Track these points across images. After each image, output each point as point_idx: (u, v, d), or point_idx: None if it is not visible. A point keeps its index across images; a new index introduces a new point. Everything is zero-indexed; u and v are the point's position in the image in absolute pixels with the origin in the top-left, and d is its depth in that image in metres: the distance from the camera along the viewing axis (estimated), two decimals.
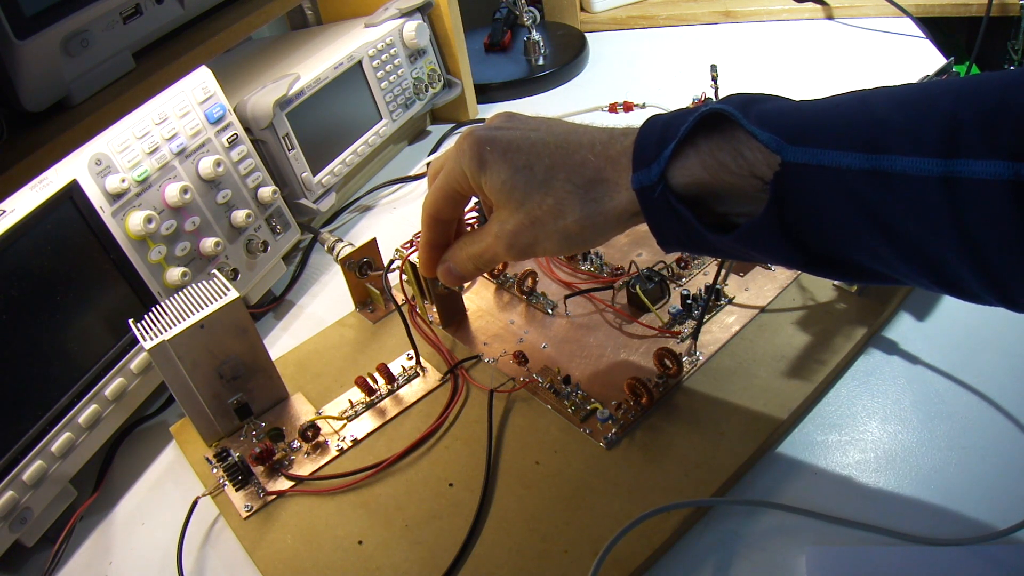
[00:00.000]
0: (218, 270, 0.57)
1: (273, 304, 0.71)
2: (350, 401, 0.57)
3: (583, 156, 0.41)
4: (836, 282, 0.58)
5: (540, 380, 0.55)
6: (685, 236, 0.39)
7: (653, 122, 0.40)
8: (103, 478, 0.57)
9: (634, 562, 0.44)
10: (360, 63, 0.80)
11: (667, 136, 0.38)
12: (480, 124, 0.45)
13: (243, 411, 0.56)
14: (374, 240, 0.64)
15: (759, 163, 0.35)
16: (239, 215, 0.64)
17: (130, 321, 0.51)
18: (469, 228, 0.71)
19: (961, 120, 0.30)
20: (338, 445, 0.54)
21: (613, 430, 0.51)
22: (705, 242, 0.39)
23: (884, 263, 0.35)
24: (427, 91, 0.89)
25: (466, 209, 0.66)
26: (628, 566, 0.44)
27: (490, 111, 0.98)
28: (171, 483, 0.56)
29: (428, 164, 0.87)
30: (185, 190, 0.59)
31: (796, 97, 0.38)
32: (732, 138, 0.36)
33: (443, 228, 0.48)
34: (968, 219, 0.30)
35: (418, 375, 0.58)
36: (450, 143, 0.93)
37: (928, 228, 0.32)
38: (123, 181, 0.56)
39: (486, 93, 0.99)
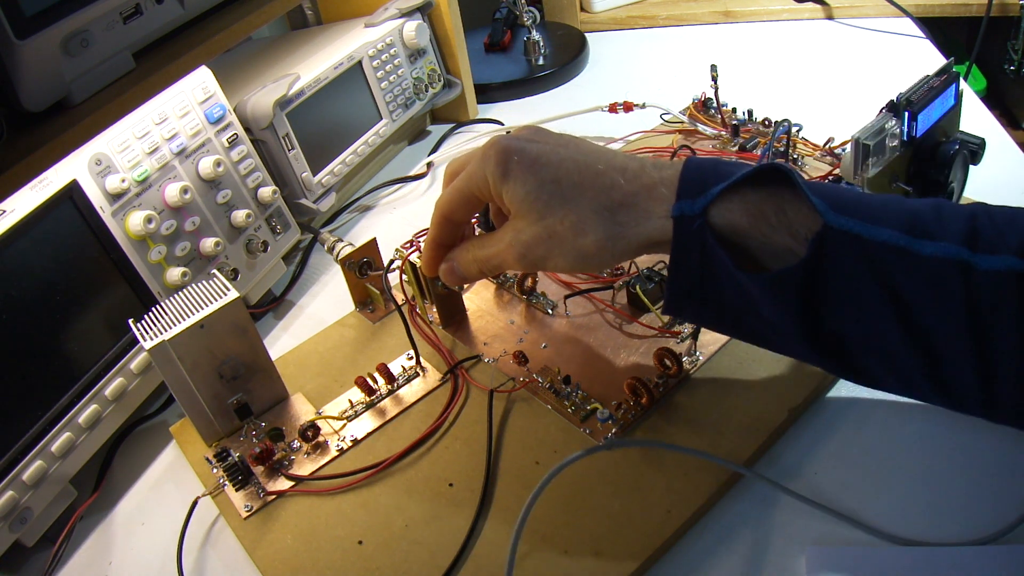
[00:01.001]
0: (218, 270, 0.57)
1: (273, 304, 0.71)
2: (350, 401, 0.57)
3: (613, 179, 0.42)
4: None
5: (540, 380, 0.55)
6: (700, 280, 0.40)
7: (699, 160, 0.42)
8: (103, 478, 0.57)
9: (634, 562, 0.44)
10: (360, 63, 0.80)
11: (717, 176, 0.40)
12: (508, 134, 0.45)
13: (243, 411, 0.56)
14: (374, 240, 0.64)
15: (798, 223, 0.38)
16: (239, 215, 0.64)
17: (130, 321, 0.51)
18: (470, 226, 0.71)
19: (979, 224, 0.37)
20: (338, 445, 0.54)
21: (613, 430, 0.51)
22: (717, 289, 0.40)
23: (883, 350, 0.38)
24: (427, 91, 0.89)
25: None
26: (628, 566, 0.44)
27: (490, 111, 0.98)
28: (171, 483, 0.56)
29: (428, 164, 0.87)
30: (185, 190, 0.59)
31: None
32: (777, 195, 0.39)
33: (452, 229, 0.48)
34: (978, 303, 0.35)
35: (418, 375, 0.58)
36: (450, 143, 0.93)
37: (941, 309, 0.36)
38: (123, 181, 0.56)
39: (486, 93, 0.99)
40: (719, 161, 0.41)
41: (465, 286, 0.65)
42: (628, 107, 0.88)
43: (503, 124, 0.94)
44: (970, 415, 0.40)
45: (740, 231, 0.39)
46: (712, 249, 0.39)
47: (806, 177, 0.69)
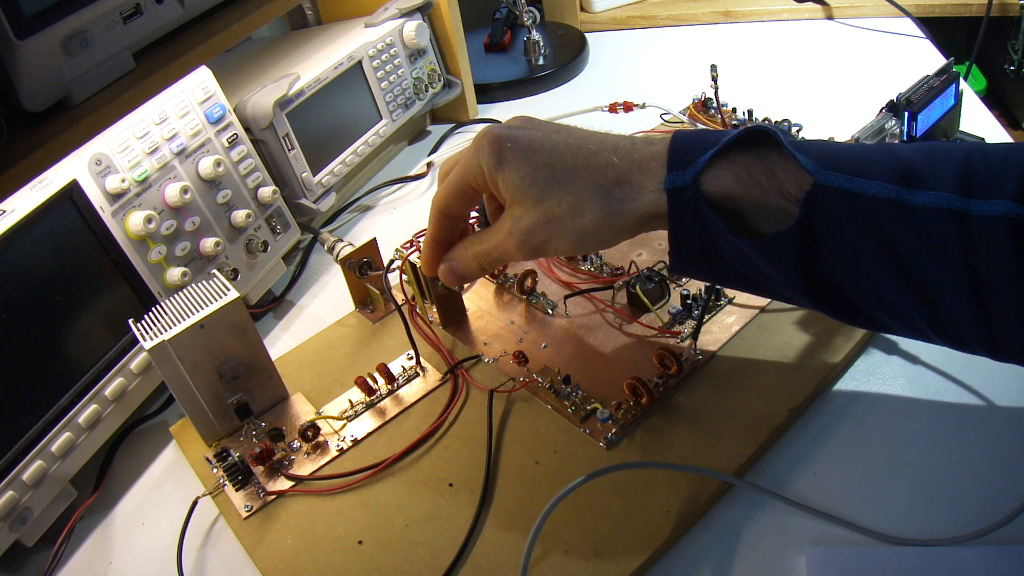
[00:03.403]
0: (218, 270, 0.57)
1: (273, 304, 0.71)
2: (350, 401, 0.57)
3: (606, 158, 0.42)
4: None
5: (540, 380, 0.55)
6: (700, 246, 0.41)
7: (687, 132, 0.42)
8: (103, 478, 0.57)
9: (634, 562, 0.44)
10: (360, 63, 0.80)
11: (704, 145, 0.40)
12: (498, 123, 0.45)
13: (243, 411, 0.56)
14: (374, 240, 0.64)
15: (789, 182, 0.38)
16: (239, 215, 0.64)
17: (130, 321, 0.51)
18: (469, 226, 0.71)
19: (973, 167, 0.36)
20: (338, 445, 0.54)
21: (613, 430, 0.51)
22: (718, 253, 0.41)
23: (882, 299, 0.38)
24: (427, 91, 0.89)
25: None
26: (628, 566, 0.44)
27: (490, 111, 0.98)
28: (171, 483, 0.56)
29: (428, 164, 0.87)
30: (185, 190, 0.59)
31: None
32: (765, 157, 0.39)
33: (450, 225, 0.48)
34: (974, 250, 0.35)
35: (418, 375, 0.58)
36: (450, 143, 0.93)
37: (936, 258, 0.36)
38: (123, 181, 0.56)
39: (486, 93, 0.99)
40: (707, 131, 0.41)
41: (465, 285, 0.65)
42: (628, 107, 0.88)
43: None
44: (974, 355, 0.40)
45: (733, 196, 0.39)
46: (707, 217, 0.39)
47: None
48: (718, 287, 0.59)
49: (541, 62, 1.03)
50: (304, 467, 0.53)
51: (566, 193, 0.42)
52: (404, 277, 0.63)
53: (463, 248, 0.48)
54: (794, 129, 0.73)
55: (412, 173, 0.87)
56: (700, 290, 0.59)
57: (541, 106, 0.98)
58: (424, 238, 0.50)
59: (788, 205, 0.38)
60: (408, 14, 0.85)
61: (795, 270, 0.39)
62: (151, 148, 0.59)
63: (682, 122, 0.82)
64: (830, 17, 1.03)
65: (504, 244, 0.44)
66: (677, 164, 0.40)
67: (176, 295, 0.53)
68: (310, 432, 0.54)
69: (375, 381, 0.57)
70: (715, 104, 0.80)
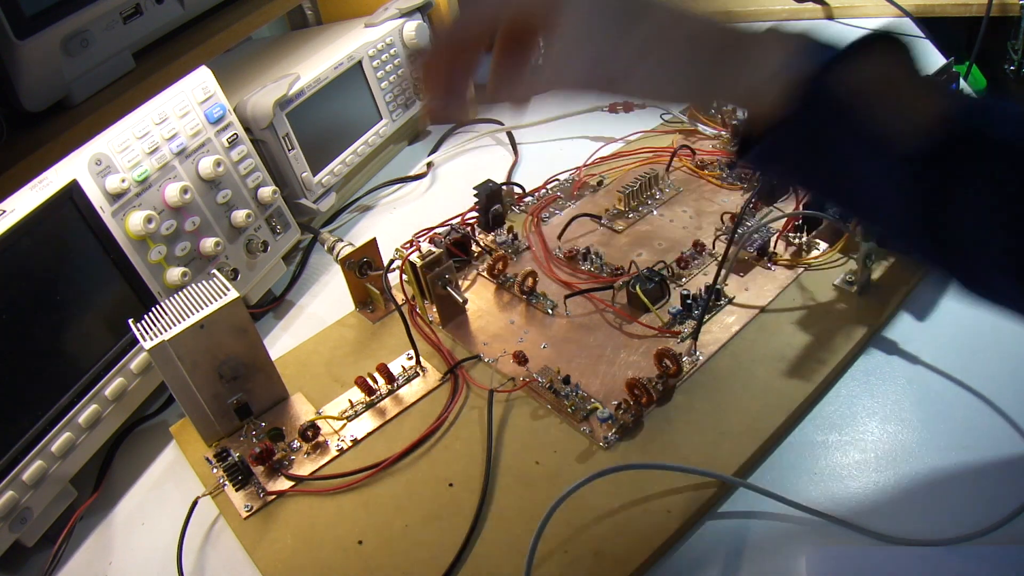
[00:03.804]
0: (218, 270, 0.57)
1: (273, 304, 0.71)
2: (350, 401, 0.57)
3: (705, 21, 0.37)
4: (837, 281, 0.59)
5: (540, 380, 0.55)
6: (804, 143, 0.35)
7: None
8: (103, 478, 0.57)
9: (634, 562, 0.44)
10: (360, 63, 0.80)
11: (825, 44, 0.35)
12: None
13: (243, 411, 0.56)
14: (374, 240, 0.64)
15: (927, 103, 0.33)
16: (239, 215, 0.64)
17: (130, 321, 0.51)
18: (469, 226, 0.71)
19: None
20: (338, 445, 0.54)
21: (613, 430, 0.51)
22: (818, 156, 0.35)
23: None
24: None
25: (465, 210, 0.65)
26: (628, 566, 0.44)
27: (490, 111, 0.98)
28: (171, 483, 0.56)
29: (428, 164, 0.87)
30: (185, 190, 0.59)
31: None
32: (907, 67, 0.34)
33: (468, 49, 0.43)
34: None
35: (418, 375, 0.58)
36: (450, 143, 0.93)
37: None
38: (123, 181, 0.56)
39: (486, 93, 0.99)
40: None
41: (463, 288, 0.66)
42: (628, 107, 0.88)
43: (503, 124, 0.94)
44: None
45: (864, 94, 0.33)
46: (827, 113, 0.33)
47: None
48: (718, 287, 0.58)
49: (541, 62, 1.02)
50: (304, 467, 0.53)
51: (647, 54, 0.36)
52: (404, 277, 0.63)
53: (521, 86, 0.42)
54: None
55: (412, 173, 0.87)
56: (700, 290, 0.59)
57: (541, 106, 0.97)
58: (426, 62, 0.42)
59: (928, 121, 0.32)
60: (408, 14, 0.85)
61: (917, 200, 0.33)
62: (151, 148, 0.59)
63: (682, 122, 0.82)
64: (830, 17, 1.03)
65: (569, 88, 0.40)
66: (808, 49, 0.34)
67: (176, 295, 0.53)
68: (310, 432, 0.53)
69: (375, 381, 0.57)
70: (715, 104, 0.79)
